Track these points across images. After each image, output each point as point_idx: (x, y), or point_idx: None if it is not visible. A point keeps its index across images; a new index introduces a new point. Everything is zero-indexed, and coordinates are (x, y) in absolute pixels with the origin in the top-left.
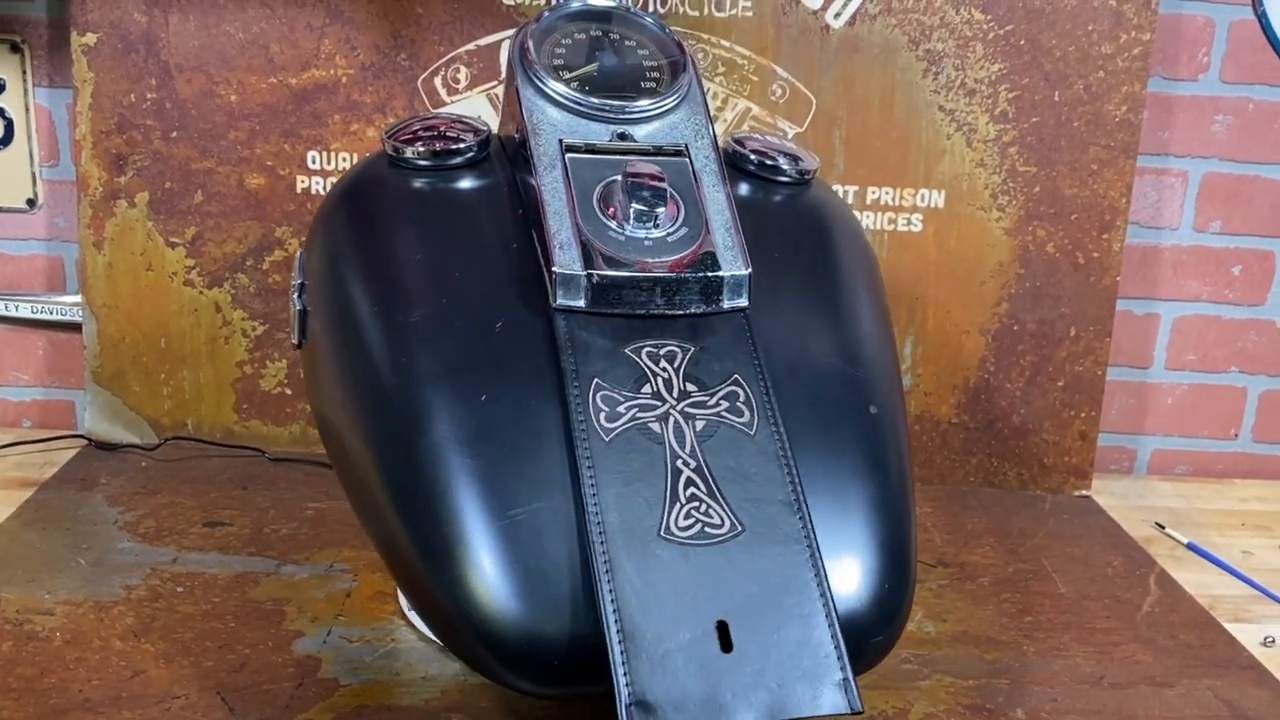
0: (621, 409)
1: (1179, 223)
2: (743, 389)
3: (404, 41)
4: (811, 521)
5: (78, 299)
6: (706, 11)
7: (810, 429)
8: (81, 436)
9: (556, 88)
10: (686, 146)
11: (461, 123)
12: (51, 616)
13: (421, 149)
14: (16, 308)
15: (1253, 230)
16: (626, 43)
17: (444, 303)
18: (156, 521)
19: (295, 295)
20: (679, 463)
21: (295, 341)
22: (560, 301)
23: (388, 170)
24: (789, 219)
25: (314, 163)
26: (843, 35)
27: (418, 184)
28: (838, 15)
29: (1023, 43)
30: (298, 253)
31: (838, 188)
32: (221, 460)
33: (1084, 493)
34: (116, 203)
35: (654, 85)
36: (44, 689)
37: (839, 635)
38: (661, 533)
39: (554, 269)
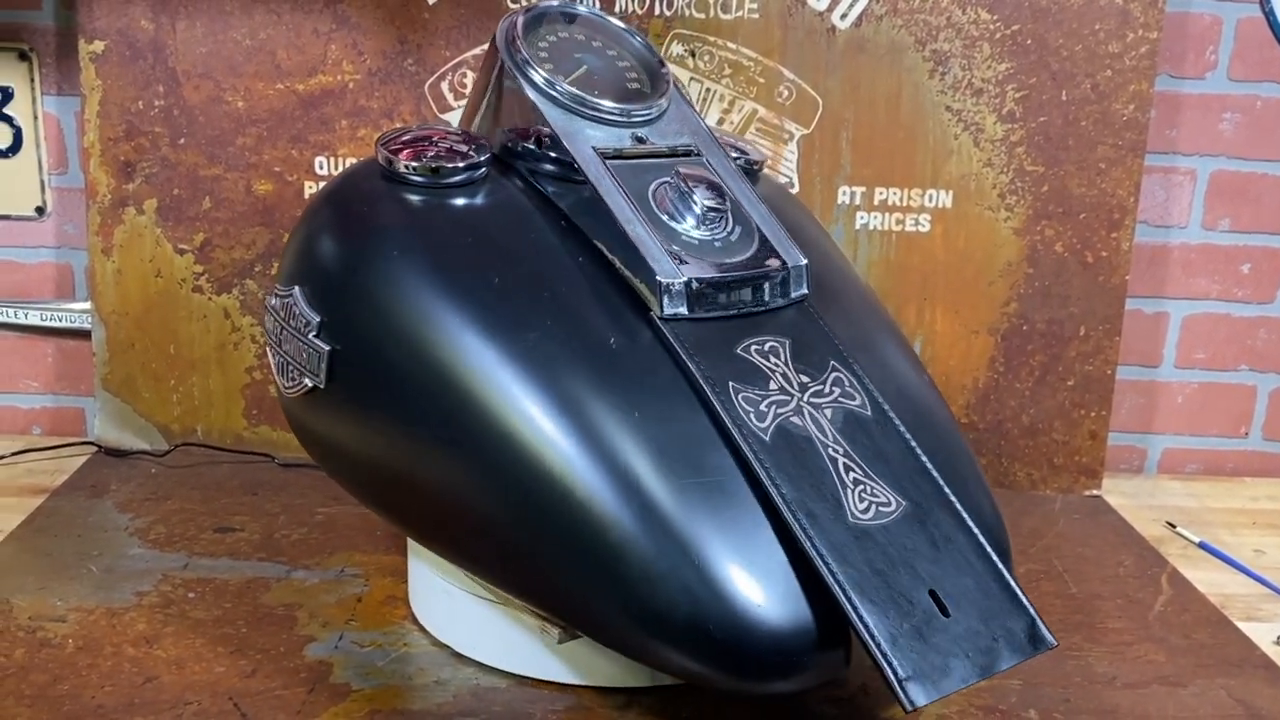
0: (763, 408)
1: (1187, 221)
2: (842, 373)
3: (410, 47)
4: (946, 485)
5: (87, 306)
6: (712, 14)
7: (892, 401)
8: (91, 443)
9: (572, 94)
10: (695, 146)
11: (454, 133)
12: (64, 623)
13: (451, 165)
14: (26, 315)
15: (1262, 228)
16: (594, 43)
17: (549, 324)
18: (167, 528)
19: (312, 335)
20: (830, 451)
21: (309, 385)
22: (667, 310)
23: (396, 190)
24: None
25: (322, 168)
26: (849, 36)
27: (447, 202)
28: (844, 16)
29: (1029, 42)
30: (293, 291)
31: (845, 188)
32: (231, 466)
33: (1094, 492)
34: (125, 210)
35: (639, 86)
36: (57, 696)
37: (1011, 582)
38: (850, 519)
39: (659, 279)
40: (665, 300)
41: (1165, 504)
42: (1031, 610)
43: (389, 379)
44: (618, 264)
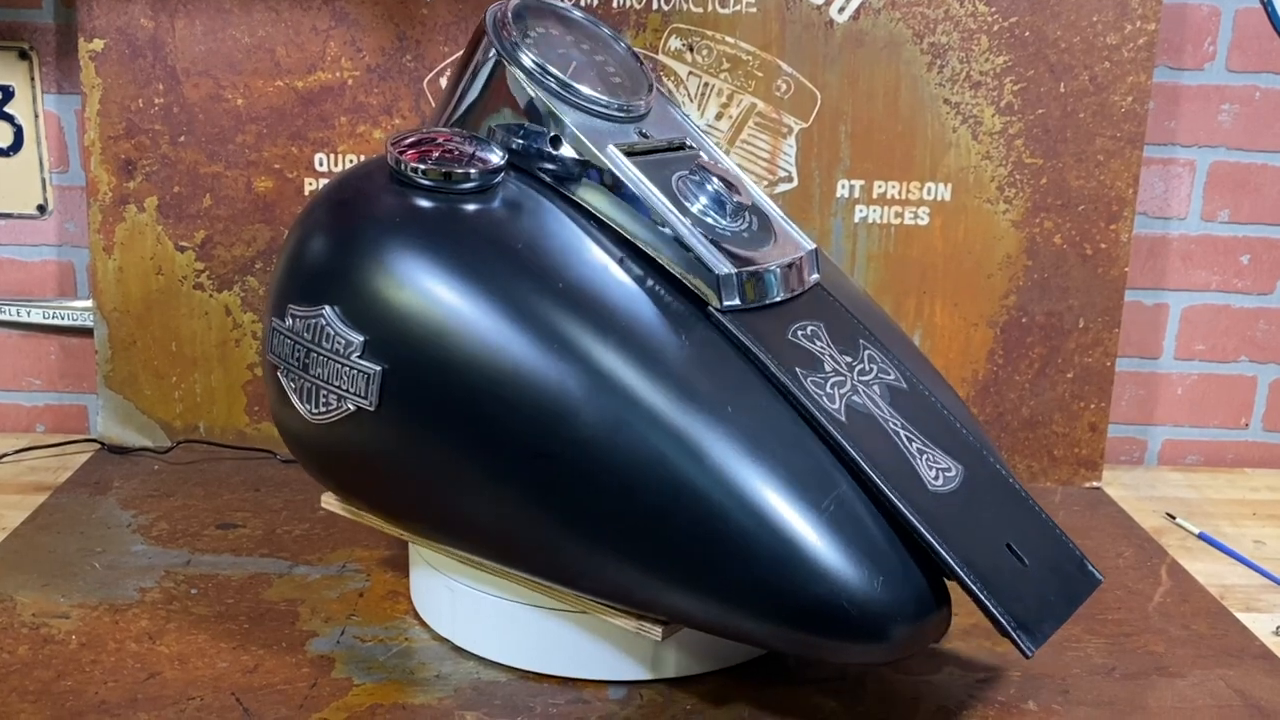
0: (829, 389)
1: (1187, 212)
2: (873, 350)
3: (409, 43)
4: (980, 442)
5: (89, 304)
6: (710, 8)
7: (912, 370)
8: (94, 440)
9: (572, 88)
10: (689, 140)
11: (458, 134)
12: (67, 620)
13: (462, 170)
14: (29, 313)
15: (1261, 219)
16: (567, 38)
17: (622, 326)
18: (169, 524)
19: (355, 356)
20: (891, 425)
21: (351, 409)
22: (725, 303)
23: (419, 197)
24: None
25: (321, 165)
26: (847, 30)
27: (478, 207)
28: (841, 10)
29: (1027, 34)
30: (321, 311)
31: (844, 182)
32: (233, 462)
33: (1094, 484)
34: (126, 207)
35: (621, 80)
36: (60, 692)
37: (1055, 524)
38: (929, 487)
39: (715, 273)
40: (723, 293)
41: (1165, 495)
42: (1078, 551)
43: (461, 397)
44: (664, 261)
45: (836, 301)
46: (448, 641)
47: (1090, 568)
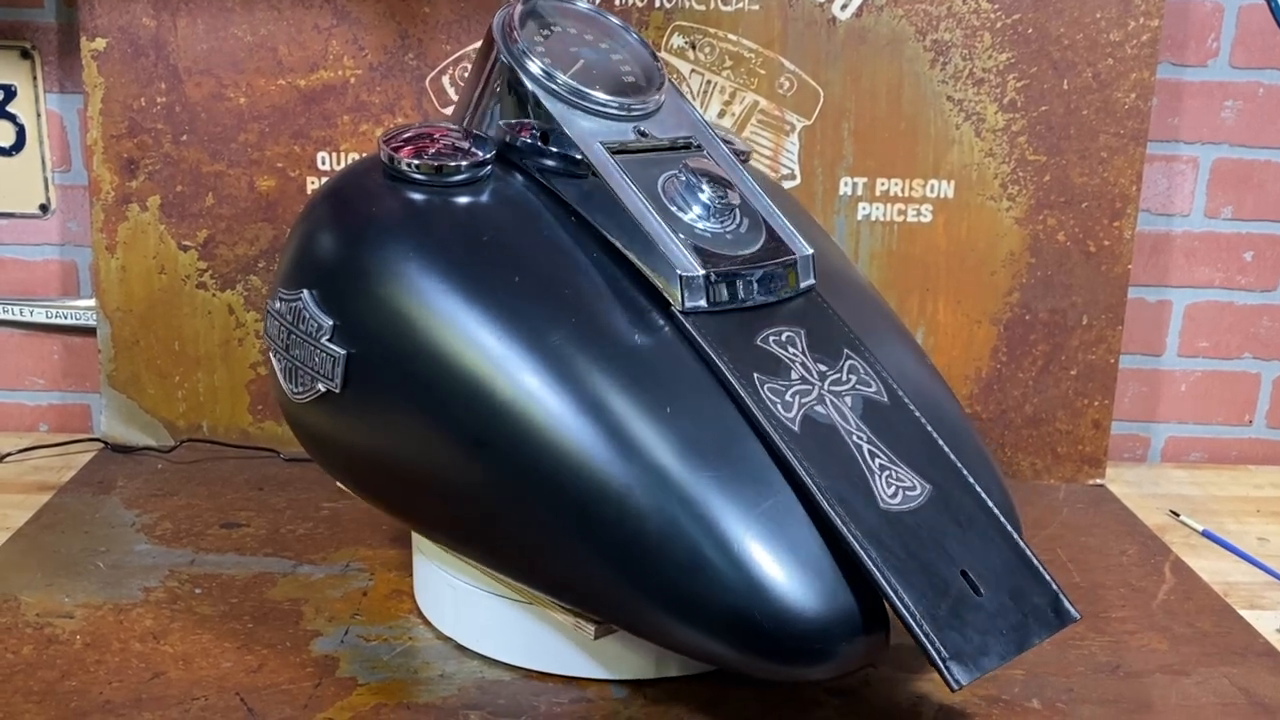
0: (788, 398)
1: (1190, 209)
2: (856, 360)
3: (411, 41)
4: (963, 466)
5: (92, 303)
6: (713, 6)
7: (902, 387)
8: (98, 440)
9: (572, 87)
10: (695, 139)
11: (455, 129)
12: (71, 619)
13: (455, 164)
14: (31, 313)
15: (1264, 215)
16: (586, 37)
17: (574, 321)
18: (173, 523)
19: (325, 340)
20: (854, 438)
21: (321, 390)
22: (688, 304)
23: (402, 189)
24: None
25: (324, 164)
26: (849, 27)
27: (456, 200)
28: (844, 7)
29: (1030, 31)
30: (300, 295)
31: (847, 179)
32: (237, 461)
33: (1098, 481)
34: (128, 207)
35: (634, 80)
36: (65, 692)
37: (1033, 558)
38: (881, 505)
39: (679, 273)
40: (685, 294)
41: (1169, 492)
42: (1055, 585)
43: (411, 382)
44: (633, 259)
45: (827, 308)
46: (451, 641)
47: (1066, 605)
